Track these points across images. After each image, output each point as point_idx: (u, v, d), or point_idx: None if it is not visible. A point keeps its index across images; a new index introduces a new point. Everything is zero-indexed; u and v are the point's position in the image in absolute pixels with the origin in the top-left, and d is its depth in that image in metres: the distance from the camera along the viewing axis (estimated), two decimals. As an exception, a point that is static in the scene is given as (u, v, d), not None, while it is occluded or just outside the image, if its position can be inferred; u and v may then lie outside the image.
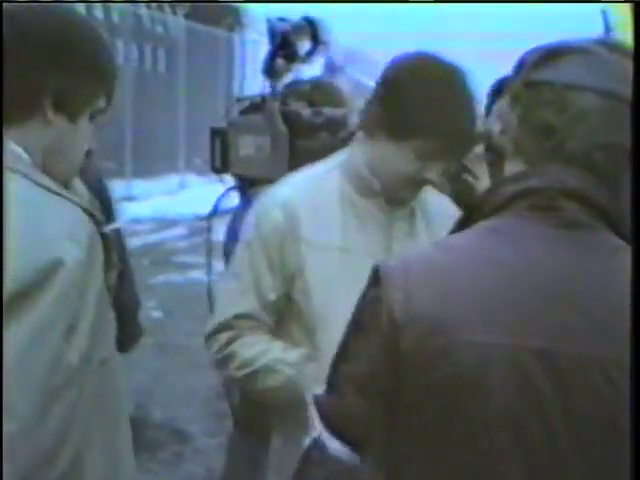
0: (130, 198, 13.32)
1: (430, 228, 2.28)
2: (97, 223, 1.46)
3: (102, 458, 1.48)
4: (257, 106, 3.13)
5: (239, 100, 3.34)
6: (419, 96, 2.07)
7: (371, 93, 2.18)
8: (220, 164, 3.22)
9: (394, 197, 2.20)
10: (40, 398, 1.31)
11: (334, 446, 1.37)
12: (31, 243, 1.34)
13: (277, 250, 2.17)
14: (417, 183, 2.18)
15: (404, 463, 1.36)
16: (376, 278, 1.37)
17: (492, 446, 1.29)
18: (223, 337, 2.20)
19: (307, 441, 1.42)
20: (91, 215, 1.46)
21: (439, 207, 2.34)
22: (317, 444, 1.39)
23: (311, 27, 3.19)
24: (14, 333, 1.32)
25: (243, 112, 3.22)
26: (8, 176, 1.42)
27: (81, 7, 11.89)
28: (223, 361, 2.21)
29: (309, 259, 2.16)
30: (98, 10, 14.49)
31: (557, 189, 1.34)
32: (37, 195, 1.42)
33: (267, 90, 3.11)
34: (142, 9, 16.36)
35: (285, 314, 2.22)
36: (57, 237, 1.36)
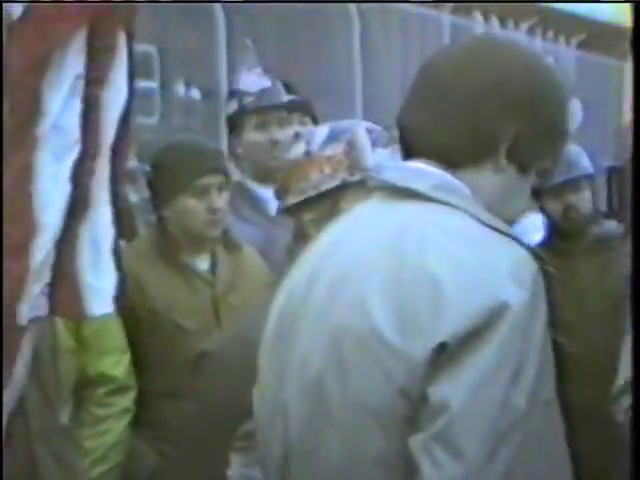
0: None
1: None
2: (540, 260, 1.45)
3: None
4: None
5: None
6: None
7: None
8: (617, 205, 3.32)
9: None
10: (488, 441, 1.32)
11: None
12: (479, 284, 1.37)
13: None
14: None
15: None
16: None
17: None
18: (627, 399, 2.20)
19: None
20: (535, 253, 1.45)
21: None
22: None
23: None
24: (463, 374, 1.33)
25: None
26: (452, 213, 1.46)
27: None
28: None
29: None
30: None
31: None
32: (484, 235, 1.43)
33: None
34: (537, 40, 16.44)
35: None
36: (503, 279, 1.37)
